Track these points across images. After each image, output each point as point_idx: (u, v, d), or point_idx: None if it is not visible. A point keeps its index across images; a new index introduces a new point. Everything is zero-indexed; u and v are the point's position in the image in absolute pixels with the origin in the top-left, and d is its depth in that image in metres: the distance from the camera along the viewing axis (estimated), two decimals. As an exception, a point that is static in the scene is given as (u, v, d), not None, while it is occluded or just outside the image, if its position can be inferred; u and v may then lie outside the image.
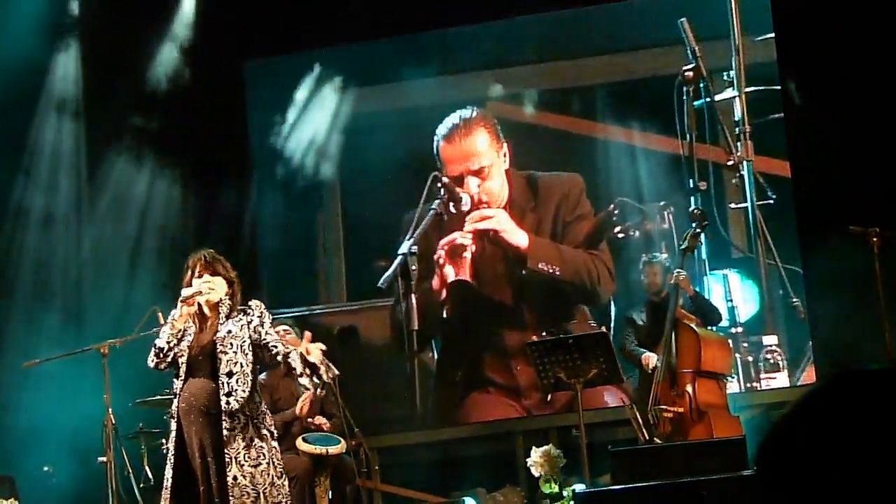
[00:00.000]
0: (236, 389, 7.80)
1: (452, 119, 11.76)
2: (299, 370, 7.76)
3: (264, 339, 7.85)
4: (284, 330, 8.39)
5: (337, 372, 7.86)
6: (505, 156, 11.68)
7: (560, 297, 11.41)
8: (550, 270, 11.39)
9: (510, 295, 11.64)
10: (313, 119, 12.44)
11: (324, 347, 7.77)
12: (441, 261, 11.35)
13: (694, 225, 10.02)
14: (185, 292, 7.90)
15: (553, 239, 11.64)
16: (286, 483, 7.97)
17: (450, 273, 11.34)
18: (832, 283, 10.98)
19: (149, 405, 10.18)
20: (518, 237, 11.46)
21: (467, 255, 11.35)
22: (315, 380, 7.91)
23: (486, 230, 11.38)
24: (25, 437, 11.18)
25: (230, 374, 7.82)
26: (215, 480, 7.75)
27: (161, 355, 7.90)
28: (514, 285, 11.61)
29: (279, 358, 7.87)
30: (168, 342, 7.88)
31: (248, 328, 7.88)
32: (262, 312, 7.95)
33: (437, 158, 11.68)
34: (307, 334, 7.86)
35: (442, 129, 11.74)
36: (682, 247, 10.03)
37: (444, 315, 11.52)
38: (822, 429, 1.72)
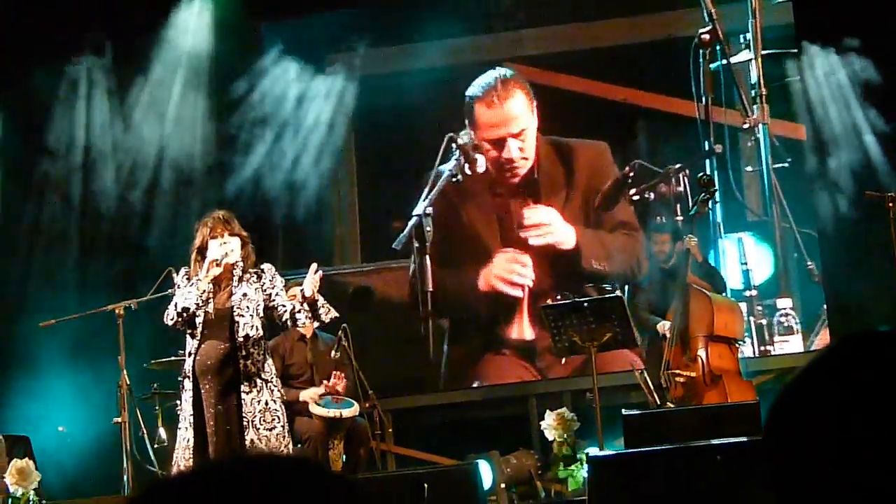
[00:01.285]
0: (252, 353, 7.83)
1: (486, 79, 11.58)
2: (296, 307, 7.79)
3: (273, 301, 7.87)
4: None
5: (336, 314, 7.88)
6: (536, 118, 11.63)
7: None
8: (600, 268, 11.38)
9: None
10: (328, 82, 12.38)
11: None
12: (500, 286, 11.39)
13: (702, 191, 9.98)
14: (215, 253, 7.88)
15: (586, 210, 11.60)
16: (291, 447, 8.03)
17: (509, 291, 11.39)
18: (847, 246, 10.97)
19: (163, 366, 10.20)
20: (569, 238, 11.46)
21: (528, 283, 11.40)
22: (311, 319, 7.92)
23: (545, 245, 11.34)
24: (41, 398, 11.22)
25: (247, 338, 7.84)
26: (235, 443, 7.77)
27: (185, 315, 7.91)
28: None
29: (286, 317, 7.89)
30: (196, 303, 7.88)
31: (261, 291, 7.90)
32: (273, 275, 7.98)
33: (470, 120, 11.56)
34: (313, 268, 7.84)
35: (476, 90, 11.57)
36: (691, 213, 10.01)
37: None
38: (832, 391, 1.71)
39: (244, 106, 12.14)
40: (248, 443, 7.72)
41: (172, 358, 9.85)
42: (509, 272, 11.49)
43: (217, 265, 7.85)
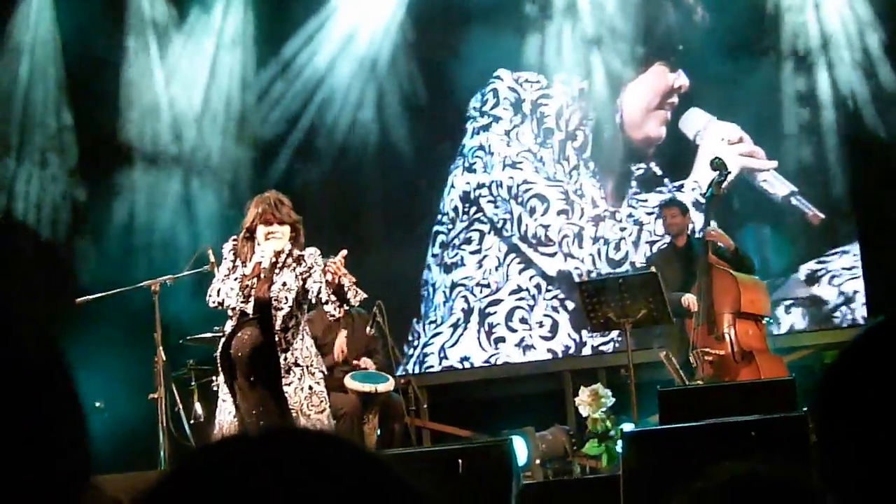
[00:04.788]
0: (292, 343, 7.76)
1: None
2: (325, 298, 7.67)
3: (308, 286, 7.75)
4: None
5: (365, 295, 7.75)
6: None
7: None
8: None
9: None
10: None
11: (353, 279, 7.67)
12: None
13: (717, 173, 9.92)
14: (262, 258, 7.77)
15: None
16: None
17: None
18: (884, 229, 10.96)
19: (199, 342, 10.22)
20: None
21: None
22: (340, 306, 7.76)
23: None
24: (78, 373, 11.26)
25: (285, 329, 7.77)
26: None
27: (222, 307, 7.87)
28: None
29: (314, 301, 7.80)
30: (237, 304, 7.79)
31: (300, 279, 7.77)
32: (314, 262, 7.78)
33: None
34: (342, 253, 7.72)
35: None
36: (707, 195, 9.93)
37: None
38: (878, 370, 1.71)
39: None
40: None
41: (208, 335, 9.87)
42: None
43: (261, 268, 7.76)
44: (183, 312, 10.36)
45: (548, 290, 12.08)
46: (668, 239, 10.64)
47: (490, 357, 12.13)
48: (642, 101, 11.97)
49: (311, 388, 7.77)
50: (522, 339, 12.07)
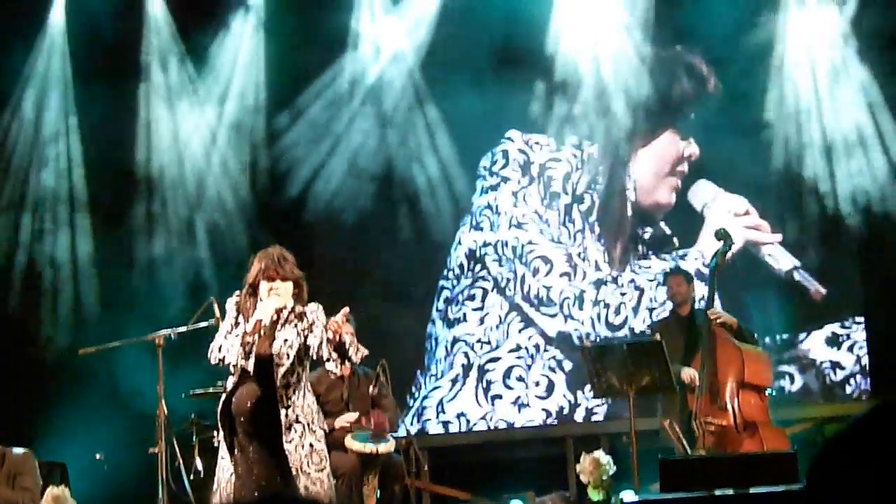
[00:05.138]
0: (293, 399, 7.73)
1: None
2: (325, 356, 7.67)
3: (309, 342, 7.73)
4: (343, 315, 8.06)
5: (366, 352, 7.75)
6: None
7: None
8: None
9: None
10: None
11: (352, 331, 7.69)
12: None
13: (721, 243, 9.93)
14: (263, 316, 7.76)
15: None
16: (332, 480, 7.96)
17: None
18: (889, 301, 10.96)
19: (202, 397, 10.20)
20: None
21: None
22: (342, 363, 7.77)
23: None
24: (79, 424, 11.25)
25: (286, 385, 7.73)
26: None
27: (223, 364, 7.86)
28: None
29: (317, 355, 7.77)
30: (237, 360, 7.78)
31: (301, 335, 7.75)
32: (316, 318, 7.77)
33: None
34: (344, 310, 7.77)
35: None
36: (712, 266, 9.91)
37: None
38: (873, 452, 1.71)
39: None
40: (302, 490, 7.59)
41: (211, 389, 9.86)
42: None
43: (257, 329, 7.76)
44: (188, 365, 10.35)
45: (546, 350, 12.10)
46: (668, 306, 10.61)
47: (486, 414, 12.11)
48: (653, 168, 12.02)
49: (311, 445, 7.73)
50: (518, 398, 12.08)
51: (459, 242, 12.57)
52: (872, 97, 11.38)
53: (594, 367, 9.58)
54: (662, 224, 12.00)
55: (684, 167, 11.92)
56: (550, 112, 12.26)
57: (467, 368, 12.31)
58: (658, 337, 9.67)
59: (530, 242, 12.29)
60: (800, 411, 11.16)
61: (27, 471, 9.46)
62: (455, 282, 12.54)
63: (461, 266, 12.54)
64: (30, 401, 11.76)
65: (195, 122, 12.73)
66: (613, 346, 9.84)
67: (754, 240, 11.57)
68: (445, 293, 12.57)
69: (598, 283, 12.05)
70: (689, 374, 9.73)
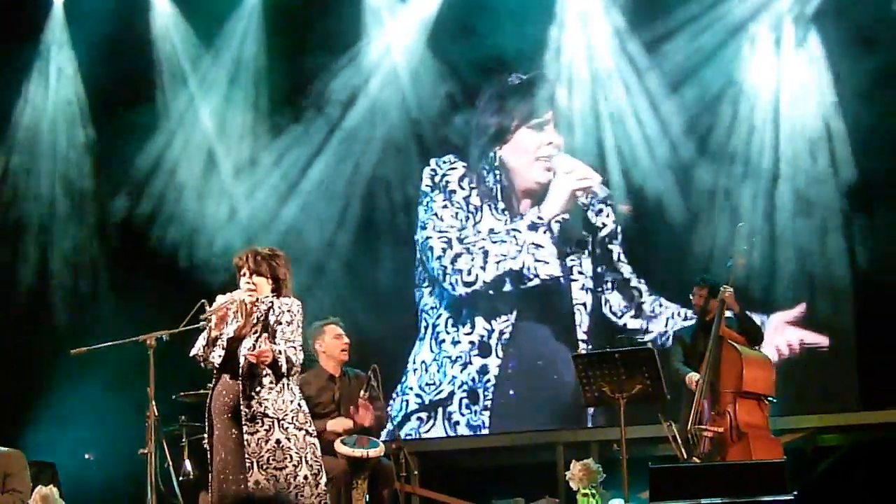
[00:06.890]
0: (258, 391, 7.73)
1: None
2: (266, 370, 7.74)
3: (276, 329, 7.80)
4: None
5: (301, 355, 7.82)
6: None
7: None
8: None
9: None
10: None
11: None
12: None
13: (741, 243, 10.00)
14: (218, 301, 7.88)
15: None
16: (322, 483, 7.92)
17: None
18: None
19: (192, 398, 10.19)
20: None
21: None
22: (276, 379, 7.80)
23: None
24: (69, 425, 11.24)
25: (252, 377, 7.76)
26: (238, 484, 7.69)
27: (198, 360, 7.94)
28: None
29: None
30: (203, 353, 7.87)
31: (271, 327, 7.81)
32: (285, 311, 7.84)
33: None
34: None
35: None
36: (729, 265, 9.98)
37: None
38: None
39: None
40: (252, 485, 7.59)
41: (201, 391, 9.84)
42: None
43: (216, 313, 7.83)
44: (179, 367, 10.34)
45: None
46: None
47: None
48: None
49: (278, 441, 7.72)
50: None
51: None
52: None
53: (586, 375, 9.59)
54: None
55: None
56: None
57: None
58: (651, 345, 9.69)
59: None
60: (795, 421, 11.12)
61: (18, 472, 9.42)
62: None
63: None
64: (19, 401, 11.75)
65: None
66: (605, 353, 9.82)
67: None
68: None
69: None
70: (691, 380, 9.79)
